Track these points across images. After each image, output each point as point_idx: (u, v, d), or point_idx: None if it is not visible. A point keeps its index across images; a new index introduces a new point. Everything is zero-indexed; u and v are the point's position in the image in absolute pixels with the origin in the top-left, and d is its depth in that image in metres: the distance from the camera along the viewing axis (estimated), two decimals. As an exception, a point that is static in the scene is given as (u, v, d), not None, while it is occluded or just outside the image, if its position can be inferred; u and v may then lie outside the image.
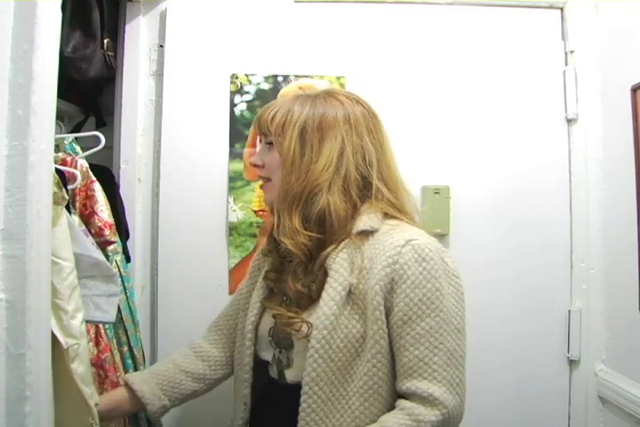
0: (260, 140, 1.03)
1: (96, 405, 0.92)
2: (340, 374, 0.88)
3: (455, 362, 0.89)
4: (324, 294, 0.90)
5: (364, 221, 0.92)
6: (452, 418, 0.88)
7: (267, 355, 1.00)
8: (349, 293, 0.90)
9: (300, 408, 0.88)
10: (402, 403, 0.88)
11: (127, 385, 1.06)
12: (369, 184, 0.95)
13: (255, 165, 1.01)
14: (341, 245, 0.93)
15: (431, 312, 0.87)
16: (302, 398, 0.88)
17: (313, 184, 0.92)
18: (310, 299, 0.94)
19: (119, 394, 1.06)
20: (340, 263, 0.91)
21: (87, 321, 0.98)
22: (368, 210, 0.94)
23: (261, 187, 1.04)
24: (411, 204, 1.01)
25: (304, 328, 0.91)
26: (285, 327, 0.94)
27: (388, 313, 0.88)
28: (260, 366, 1.02)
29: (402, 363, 0.88)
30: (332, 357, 0.88)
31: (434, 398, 0.86)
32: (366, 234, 0.92)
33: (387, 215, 0.95)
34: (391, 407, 0.90)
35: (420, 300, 0.87)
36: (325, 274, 0.92)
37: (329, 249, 0.93)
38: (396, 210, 0.96)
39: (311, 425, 0.88)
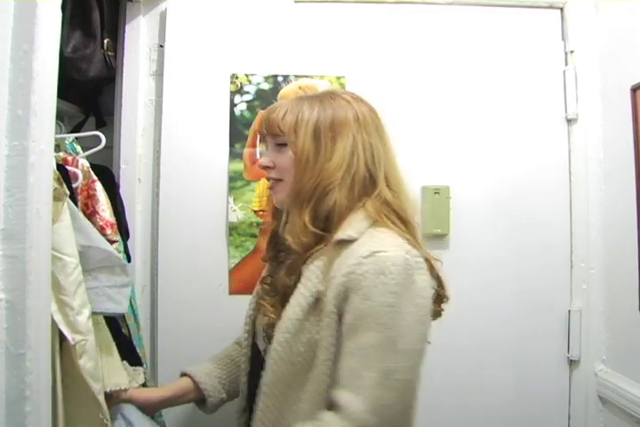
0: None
1: (125, 390, 0.96)
2: (298, 378, 0.89)
3: (389, 384, 0.83)
4: (292, 299, 0.91)
5: (346, 228, 0.91)
6: None
7: (262, 347, 1.03)
8: (317, 300, 0.89)
9: (258, 407, 0.90)
10: (320, 413, 0.86)
11: (190, 377, 1.11)
12: (373, 183, 0.95)
13: (266, 167, 1.00)
14: (319, 252, 0.93)
15: (376, 327, 0.83)
16: (260, 398, 0.90)
17: (326, 182, 0.92)
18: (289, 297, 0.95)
19: (185, 384, 1.11)
20: (312, 270, 0.92)
21: (100, 313, 0.98)
22: (356, 215, 0.93)
23: (271, 188, 1.02)
24: (411, 205, 0.99)
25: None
26: (265, 316, 0.98)
27: (340, 321, 0.87)
28: (258, 357, 1.03)
29: (338, 372, 0.86)
30: (292, 360, 0.88)
31: (351, 411, 0.82)
32: (344, 243, 0.90)
33: (376, 222, 0.92)
34: None
35: (368, 313, 0.84)
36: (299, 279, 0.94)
37: (308, 255, 0.94)
38: (391, 211, 0.94)
39: (266, 425, 0.90)
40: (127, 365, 1.06)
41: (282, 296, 0.96)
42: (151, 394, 1.09)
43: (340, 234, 0.90)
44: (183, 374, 1.13)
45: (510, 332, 1.53)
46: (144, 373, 1.14)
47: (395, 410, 0.83)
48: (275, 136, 0.98)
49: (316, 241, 0.93)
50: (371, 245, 0.87)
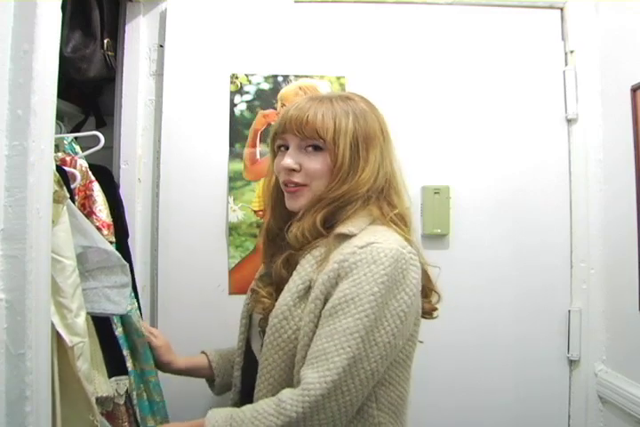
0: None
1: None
2: (290, 363, 0.90)
3: (354, 371, 0.83)
4: (285, 286, 0.93)
5: (347, 224, 0.92)
6: (312, 418, 0.82)
7: (254, 343, 1.04)
8: (309, 288, 0.91)
9: (255, 391, 0.93)
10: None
11: (206, 355, 1.18)
12: (388, 191, 0.97)
13: (291, 170, 0.95)
14: (319, 243, 0.94)
15: (356, 313, 0.83)
16: (257, 382, 0.92)
17: (354, 192, 0.93)
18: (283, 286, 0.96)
19: (200, 361, 1.18)
20: (308, 259, 0.93)
21: (99, 314, 0.98)
22: (360, 212, 0.94)
23: (291, 191, 0.96)
24: (410, 210, 1.01)
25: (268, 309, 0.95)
26: (255, 304, 1.00)
27: (323, 308, 0.88)
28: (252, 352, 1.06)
29: (310, 351, 0.86)
30: (281, 346, 0.90)
31: (310, 392, 0.82)
32: (343, 237, 0.91)
33: (377, 221, 0.94)
34: None
35: (352, 298, 0.84)
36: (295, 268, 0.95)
37: (306, 247, 0.95)
38: (396, 213, 0.96)
39: None
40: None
41: (277, 286, 0.97)
42: (173, 361, 1.17)
43: (342, 228, 0.92)
44: (202, 353, 1.19)
45: (510, 332, 1.53)
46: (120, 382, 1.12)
47: (351, 396, 0.84)
48: (307, 138, 0.94)
49: (315, 238, 0.95)
50: (369, 238, 0.89)
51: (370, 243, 0.87)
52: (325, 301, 0.87)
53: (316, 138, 0.93)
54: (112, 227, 1.24)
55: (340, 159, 0.92)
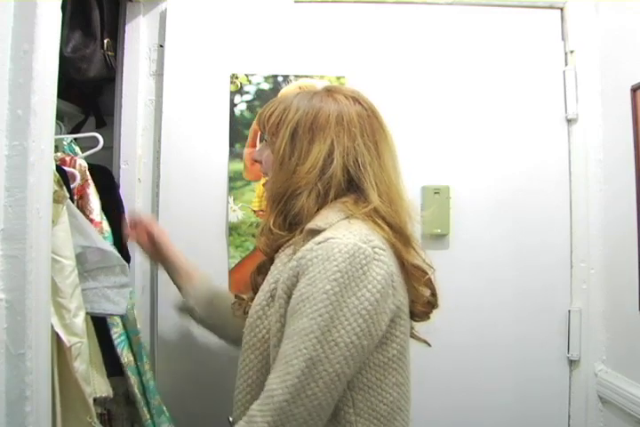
0: (261, 140, 1.05)
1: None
2: (266, 364, 0.88)
3: (315, 374, 0.79)
4: (260, 287, 0.94)
5: (317, 219, 0.90)
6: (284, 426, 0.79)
7: None
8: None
9: (235, 392, 0.91)
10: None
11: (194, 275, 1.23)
12: (356, 187, 0.92)
13: (256, 161, 1.04)
14: (291, 241, 0.93)
15: (311, 313, 0.80)
16: (236, 383, 0.91)
17: (295, 186, 0.91)
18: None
19: (195, 273, 1.25)
20: (281, 258, 0.93)
21: (99, 314, 0.99)
22: (333, 208, 0.91)
23: (264, 184, 1.04)
24: (405, 213, 0.95)
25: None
26: (238, 306, 1.05)
27: (288, 305, 0.86)
28: None
29: (277, 355, 0.85)
30: (257, 345, 0.90)
31: (274, 399, 0.79)
32: (313, 232, 0.88)
33: (352, 216, 0.89)
34: None
35: (307, 298, 0.81)
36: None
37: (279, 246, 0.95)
38: (378, 216, 0.90)
39: (245, 407, 0.87)
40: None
41: (253, 290, 1.00)
42: (170, 247, 1.26)
43: (311, 224, 0.90)
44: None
45: (510, 332, 1.53)
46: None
47: (320, 401, 0.80)
48: (263, 133, 1.00)
49: (280, 242, 0.94)
50: (330, 233, 0.86)
51: (327, 238, 0.84)
52: (289, 299, 0.85)
53: (263, 131, 0.99)
54: (100, 224, 1.24)
55: (277, 151, 0.94)
